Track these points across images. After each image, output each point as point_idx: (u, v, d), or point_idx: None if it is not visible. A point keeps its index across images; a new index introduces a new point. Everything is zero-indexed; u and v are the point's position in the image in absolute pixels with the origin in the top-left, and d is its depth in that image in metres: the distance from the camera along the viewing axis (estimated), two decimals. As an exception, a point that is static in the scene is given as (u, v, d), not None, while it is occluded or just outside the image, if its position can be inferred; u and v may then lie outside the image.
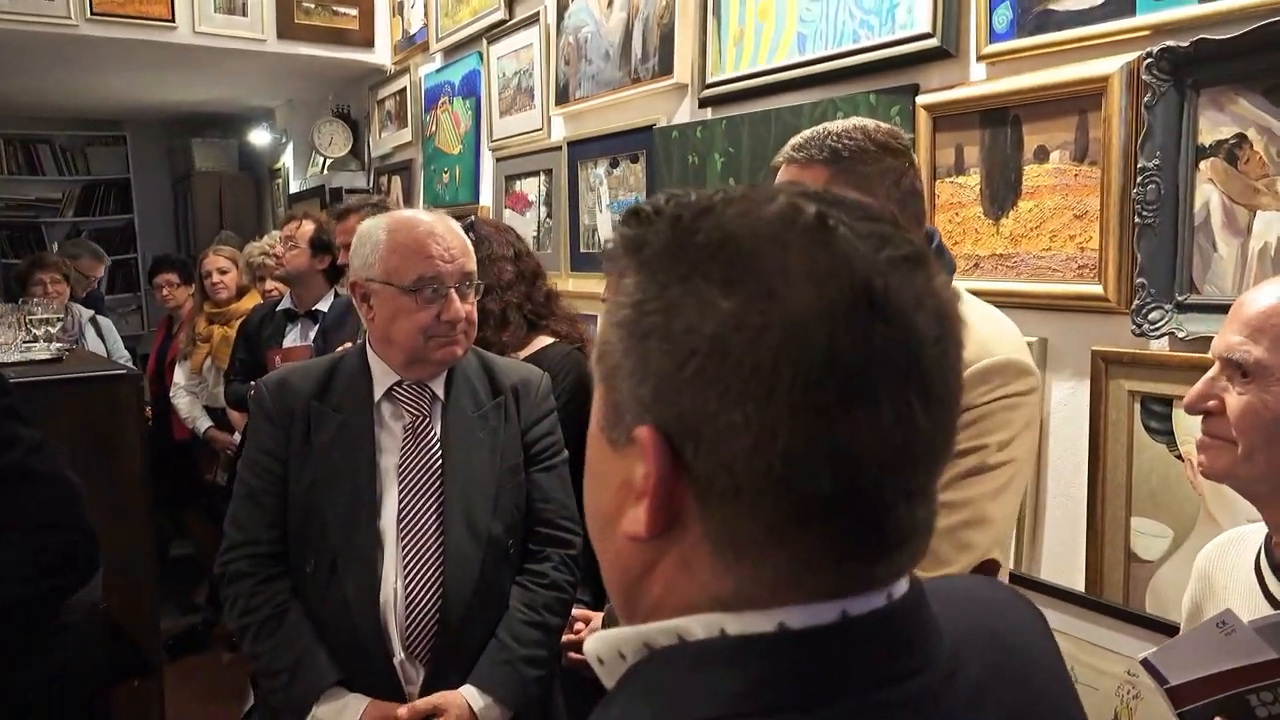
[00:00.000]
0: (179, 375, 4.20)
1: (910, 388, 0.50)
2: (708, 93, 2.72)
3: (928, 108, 2.06)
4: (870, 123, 1.44)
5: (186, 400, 4.15)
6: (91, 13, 4.22)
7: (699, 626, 0.53)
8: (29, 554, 1.53)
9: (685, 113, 2.87)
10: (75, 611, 1.70)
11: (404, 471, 1.63)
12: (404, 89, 4.79)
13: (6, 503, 1.52)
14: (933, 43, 2.04)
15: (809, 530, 0.51)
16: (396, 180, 4.94)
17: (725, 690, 0.51)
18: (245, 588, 1.61)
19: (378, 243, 1.63)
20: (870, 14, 2.21)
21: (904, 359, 0.50)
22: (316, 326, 3.38)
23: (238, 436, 3.93)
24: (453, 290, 1.60)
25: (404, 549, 1.60)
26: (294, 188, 6.44)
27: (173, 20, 4.42)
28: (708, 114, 2.77)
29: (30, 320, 3.10)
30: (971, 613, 0.63)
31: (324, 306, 3.43)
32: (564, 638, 1.95)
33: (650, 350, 0.53)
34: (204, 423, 4.12)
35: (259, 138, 6.83)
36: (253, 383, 3.25)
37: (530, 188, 3.71)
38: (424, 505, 1.62)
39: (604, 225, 3.26)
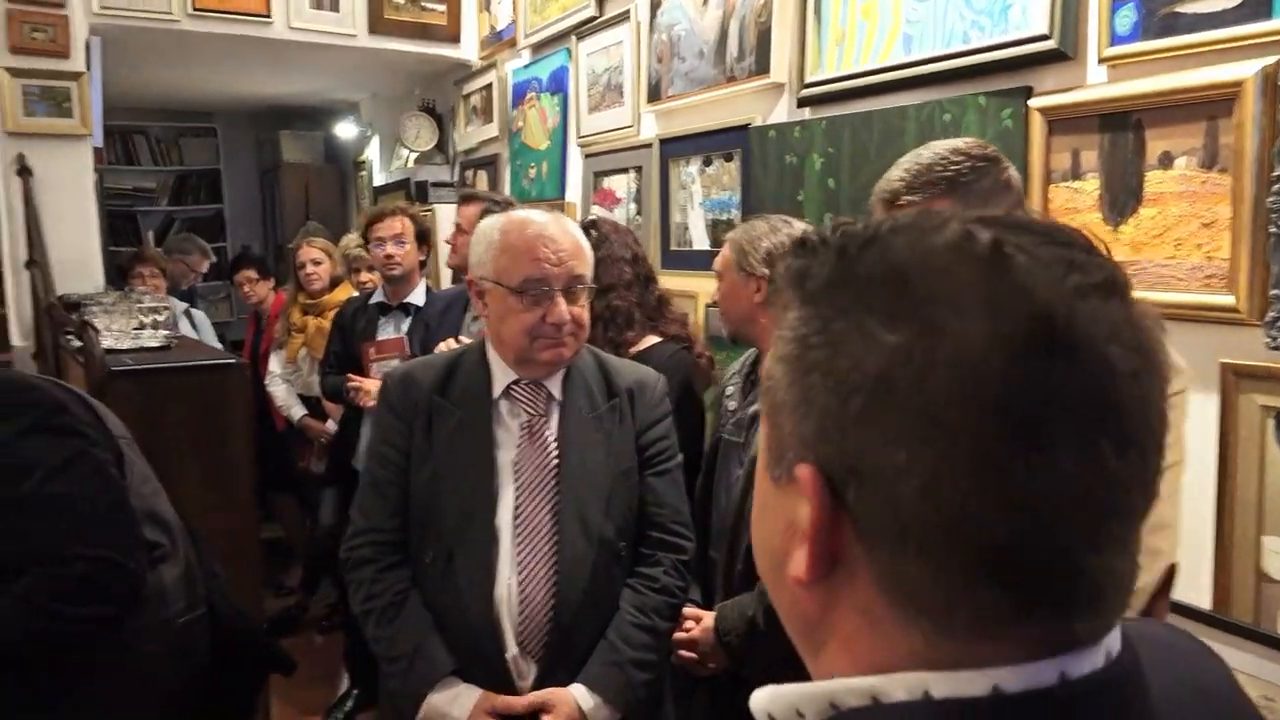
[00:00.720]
0: (274, 364, 4.31)
1: (1100, 429, 0.46)
2: (806, 92, 2.70)
3: (1043, 110, 2.02)
4: (957, 142, 1.43)
5: (282, 389, 4.26)
6: (193, 8, 4.35)
7: (899, 687, 0.49)
8: (44, 587, 1.43)
9: (782, 112, 2.86)
10: (139, 637, 1.60)
11: (519, 469, 1.65)
12: (490, 84, 4.84)
13: (20, 535, 1.46)
14: (1049, 44, 2.00)
15: (987, 582, 0.47)
16: (482, 174, 5.00)
17: None
18: (368, 574, 1.66)
19: (491, 242, 1.66)
20: (982, 14, 2.17)
21: (1092, 397, 0.46)
22: (409, 319, 3.44)
23: (331, 425, 4.02)
24: (559, 293, 1.61)
25: (518, 545, 1.63)
26: (379, 180, 6.55)
27: (269, 15, 4.54)
28: (806, 114, 2.75)
29: (140, 308, 3.20)
30: (1173, 665, 0.59)
31: (416, 299, 3.48)
32: (675, 636, 1.98)
33: (813, 386, 0.51)
34: (298, 411, 4.22)
35: (345, 131, 6.96)
36: (349, 376, 3.34)
37: (619, 184, 3.73)
38: (538, 503, 1.64)
39: (695, 223, 3.26)
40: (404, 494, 1.67)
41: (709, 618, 1.94)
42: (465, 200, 3.18)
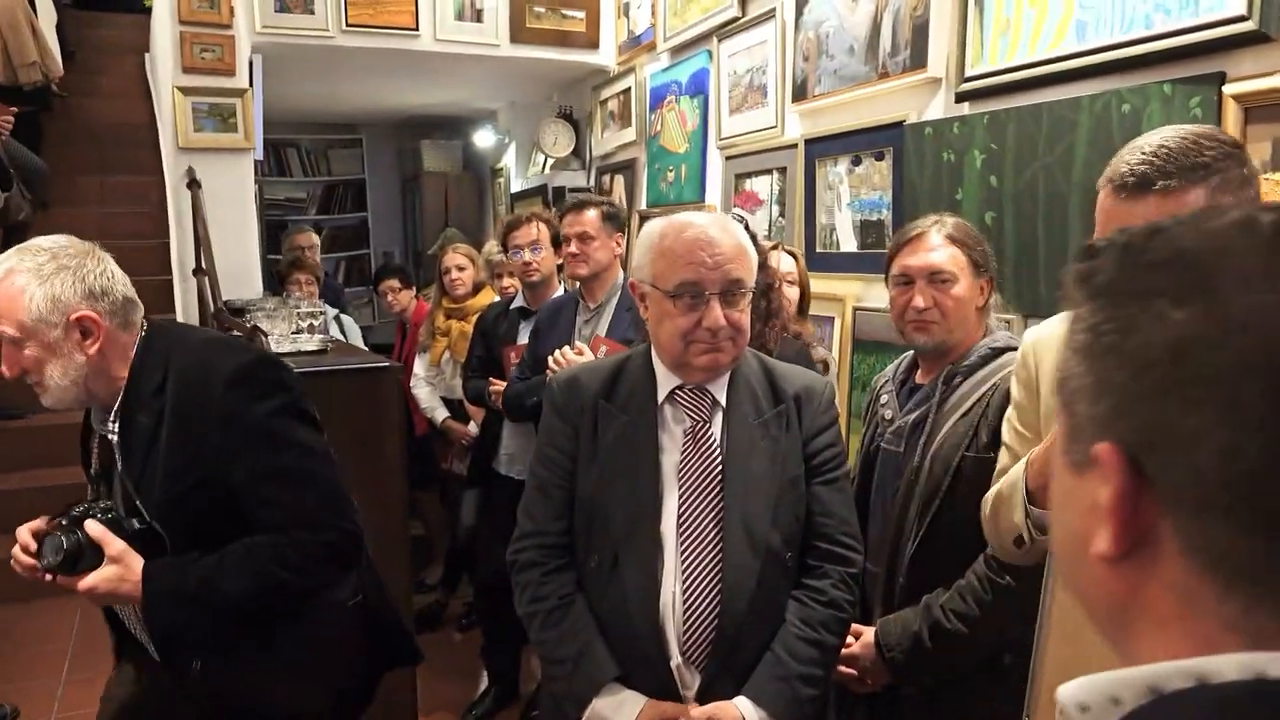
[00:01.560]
0: (418, 367, 4.42)
1: None
2: (966, 86, 2.59)
3: (1238, 98, 1.88)
4: (1198, 128, 1.30)
5: (425, 391, 4.36)
6: (346, 24, 4.52)
7: (1230, 667, 0.48)
8: (294, 548, 1.60)
9: (939, 108, 2.75)
10: (324, 611, 1.74)
11: (684, 474, 1.62)
12: (628, 89, 4.86)
13: (276, 501, 1.59)
14: (1248, 26, 1.85)
15: None
16: (619, 179, 5.02)
17: None
18: (534, 576, 1.66)
19: (651, 244, 1.63)
20: (1168, -3, 2.03)
21: None
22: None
23: (473, 428, 4.10)
24: (715, 297, 1.56)
25: (683, 552, 1.59)
26: (515, 187, 6.68)
27: (416, 29, 4.67)
28: (965, 109, 2.64)
29: (299, 313, 3.33)
30: None
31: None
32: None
33: (1107, 368, 0.53)
34: (441, 413, 4.31)
35: (483, 139, 7.12)
36: (490, 380, 3.38)
37: (761, 186, 3.67)
38: (703, 511, 1.61)
39: (843, 225, 3.18)
40: (569, 497, 1.67)
41: (869, 633, 1.87)
42: (580, 207, 3.09)
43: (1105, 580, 0.55)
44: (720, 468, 1.62)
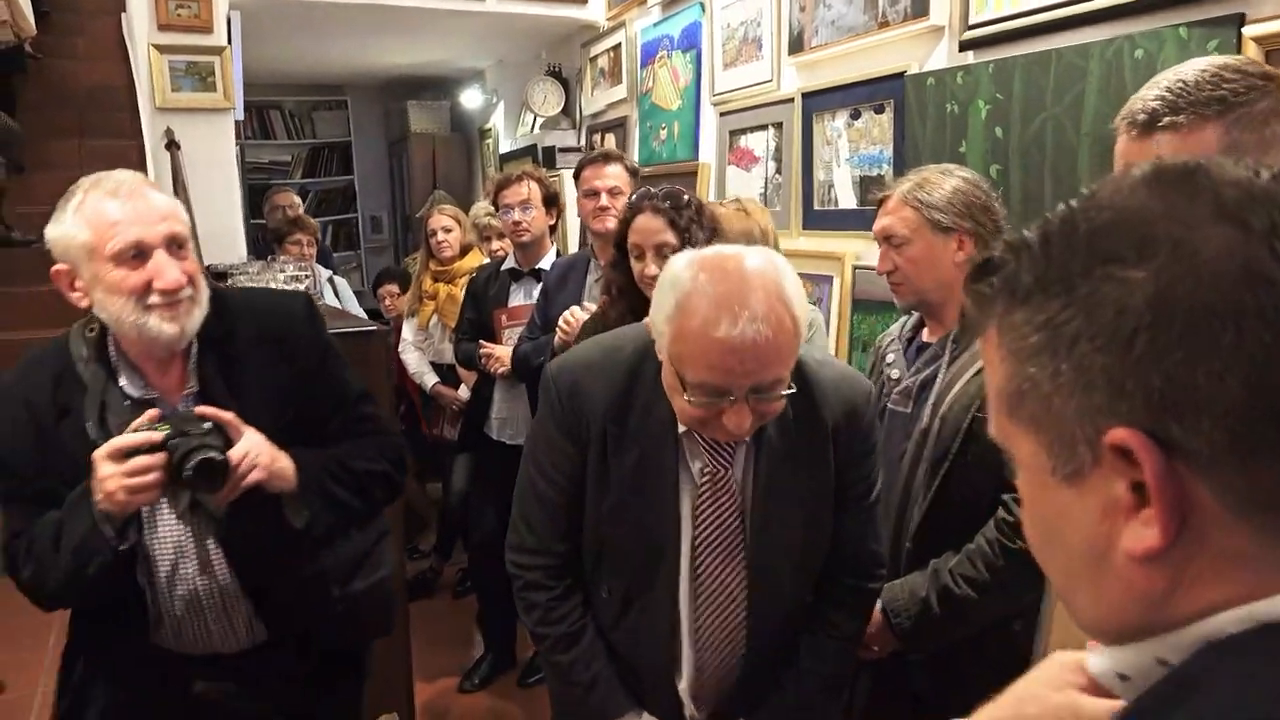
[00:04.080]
0: (406, 331, 4.34)
1: None
2: (970, 34, 2.50)
3: (1259, 40, 1.80)
4: (1226, 58, 1.23)
5: (414, 356, 4.29)
6: (327, -22, 4.38)
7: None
8: (389, 445, 1.72)
9: (941, 57, 2.66)
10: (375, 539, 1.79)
11: (701, 518, 1.46)
12: (618, 45, 4.74)
13: (370, 415, 1.72)
14: (1270, -37, 1.77)
15: None
16: (610, 137, 4.91)
17: None
18: (542, 599, 1.56)
19: (672, 312, 1.30)
20: (1185, -66, 1.94)
21: None
22: (540, 285, 3.38)
23: (463, 392, 4.03)
24: (742, 399, 1.29)
25: (696, 597, 1.50)
26: (504, 148, 6.55)
27: (396, -19, 4.53)
28: (969, 58, 2.55)
29: (284, 276, 3.24)
30: None
31: (547, 264, 3.41)
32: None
33: (1082, 354, 0.50)
34: (430, 379, 4.24)
35: (470, 99, 6.98)
36: (481, 343, 3.30)
37: (757, 143, 3.58)
38: (721, 559, 1.48)
39: (841, 180, 3.09)
40: (572, 515, 1.53)
41: (874, 597, 1.82)
42: (606, 159, 2.99)
43: (1142, 579, 0.51)
44: (740, 518, 1.46)
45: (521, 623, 1.64)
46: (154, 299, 1.42)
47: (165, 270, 1.42)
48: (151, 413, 1.42)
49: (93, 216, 1.42)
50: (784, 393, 1.33)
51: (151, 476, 1.37)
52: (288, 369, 1.59)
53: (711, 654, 1.54)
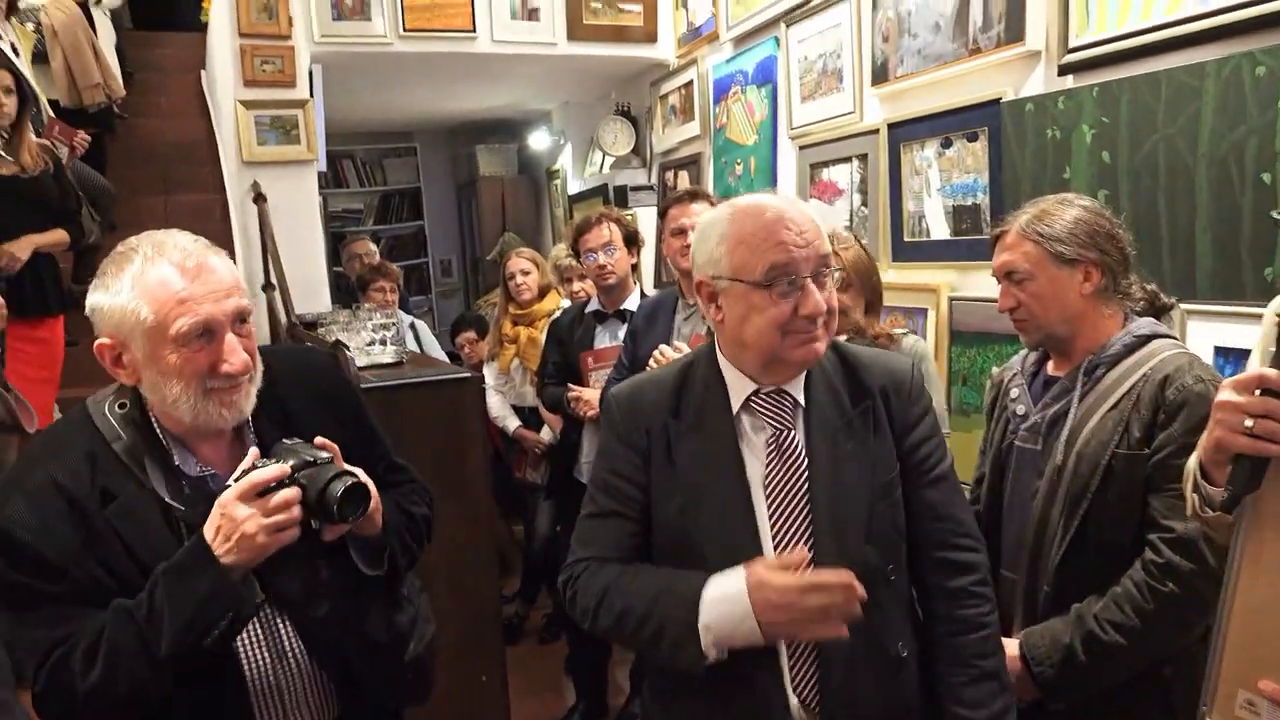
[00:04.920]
0: (488, 375, 4.35)
1: None
2: (1071, 58, 2.44)
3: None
4: None
5: (496, 400, 4.29)
6: (404, 30, 4.47)
7: None
8: (422, 490, 1.68)
9: (1038, 83, 2.60)
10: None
11: (770, 487, 1.46)
12: (689, 82, 4.75)
13: (402, 465, 1.69)
14: None
15: None
16: (684, 175, 4.91)
17: None
18: (592, 567, 1.50)
19: (723, 235, 1.44)
20: (1310, -54, 1.87)
21: None
22: (625, 326, 3.36)
23: (547, 434, 4.02)
24: (808, 281, 1.39)
25: None
26: (573, 188, 6.59)
27: (474, 30, 4.61)
28: (1069, 82, 2.48)
29: (372, 324, 3.27)
30: None
31: (631, 305, 3.39)
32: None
33: None
34: (513, 422, 4.24)
35: (538, 141, 7.06)
36: (568, 386, 3.29)
37: (840, 175, 3.54)
38: (793, 524, 1.45)
39: (933, 211, 3.04)
40: (638, 527, 1.50)
41: (1011, 644, 1.73)
42: (692, 198, 2.98)
43: None
44: (806, 476, 1.46)
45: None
46: (216, 383, 1.31)
47: (234, 353, 1.32)
48: (254, 451, 1.33)
49: (157, 290, 1.28)
50: (837, 272, 1.50)
51: (294, 512, 1.29)
52: (336, 423, 1.49)
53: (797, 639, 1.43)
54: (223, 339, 1.31)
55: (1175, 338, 1.77)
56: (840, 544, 1.43)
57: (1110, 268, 1.74)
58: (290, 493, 1.29)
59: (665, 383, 1.55)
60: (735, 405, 1.49)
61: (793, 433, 1.48)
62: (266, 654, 1.41)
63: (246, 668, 1.39)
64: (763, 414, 1.49)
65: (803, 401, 1.50)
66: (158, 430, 1.38)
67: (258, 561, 1.30)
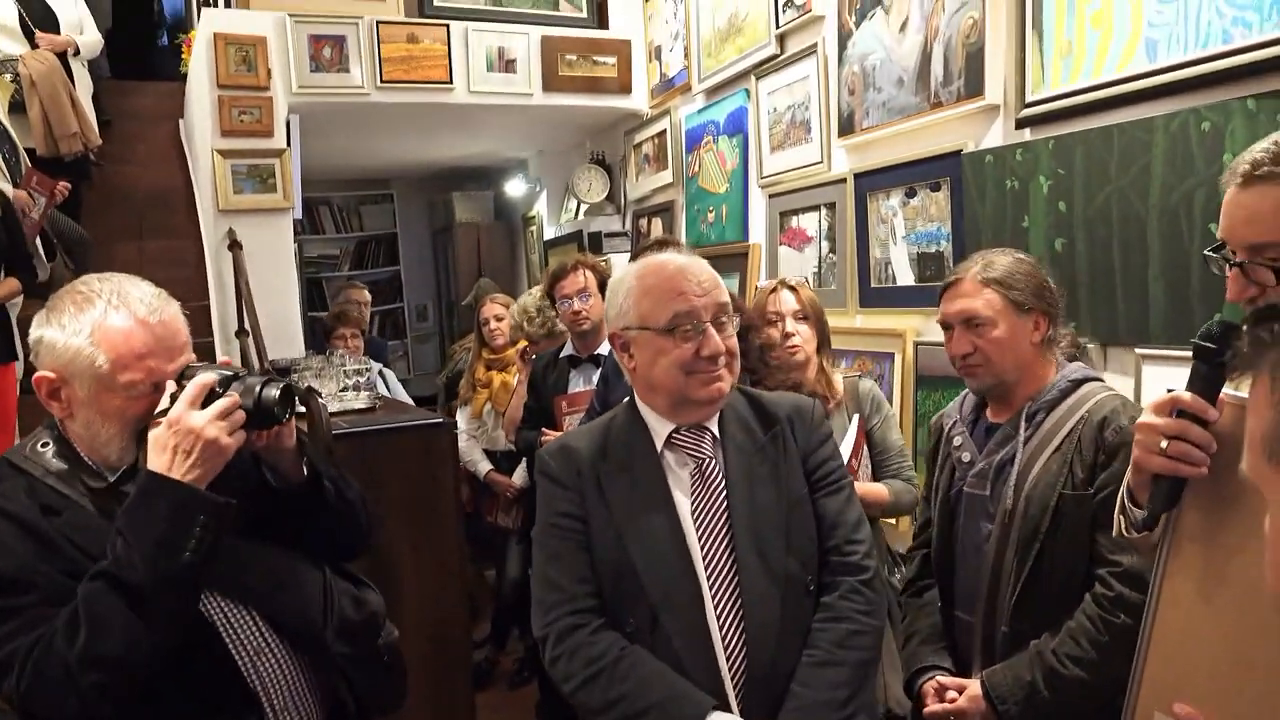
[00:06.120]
0: (460, 420, 4.36)
1: None
2: (1027, 112, 2.53)
3: (1332, 109, 1.80)
4: None
5: (467, 444, 4.30)
6: (381, 81, 4.53)
7: None
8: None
9: (997, 135, 2.69)
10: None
11: (697, 514, 1.58)
12: (663, 131, 4.84)
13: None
14: (1339, 35, 1.78)
15: None
16: (657, 222, 4.99)
17: None
18: (582, 637, 1.54)
19: (630, 289, 1.60)
20: (1247, 9, 1.96)
21: None
22: (599, 371, 3.40)
23: (519, 478, 4.03)
24: (709, 325, 1.55)
25: (713, 595, 1.53)
26: (549, 234, 6.66)
27: (450, 82, 4.68)
28: (1026, 135, 2.57)
29: (344, 370, 3.28)
30: None
31: (605, 350, 3.43)
32: (932, 708, 1.81)
33: None
34: (484, 466, 4.25)
35: (514, 188, 7.13)
36: (542, 430, 3.31)
37: (809, 223, 3.61)
38: (718, 546, 1.56)
39: (898, 258, 3.11)
40: (587, 558, 1.58)
41: (973, 685, 1.76)
42: (659, 247, 3.04)
43: None
44: (725, 502, 1.58)
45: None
46: (150, 428, 1.33)
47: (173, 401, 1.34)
48: (170, 384, 1.35)
49: (118, 342, 1.31)
50: (734, 329, 1.61)
51: (240, 414, 1.33)
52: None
53: (730, 650, 1.52)
54: (164, 389, 1.35)
55: (1103, 379, 1.85)
56: (763, 560, 1.55)
57: (1053, 317, 1.81)
58: (231, 398, 1.33)
59: (591, 434, 1.69)
60: (659, 444, 1.62)
61: (714, 463, 1.61)
62: (249, 652, 1.44)
63: (240, 664, 1.42)
64: (684, 449, 1.62)
65: (719, 435, 1.64)
66: (85, 459, 1.40)
67: (216, 472, 1.31)
